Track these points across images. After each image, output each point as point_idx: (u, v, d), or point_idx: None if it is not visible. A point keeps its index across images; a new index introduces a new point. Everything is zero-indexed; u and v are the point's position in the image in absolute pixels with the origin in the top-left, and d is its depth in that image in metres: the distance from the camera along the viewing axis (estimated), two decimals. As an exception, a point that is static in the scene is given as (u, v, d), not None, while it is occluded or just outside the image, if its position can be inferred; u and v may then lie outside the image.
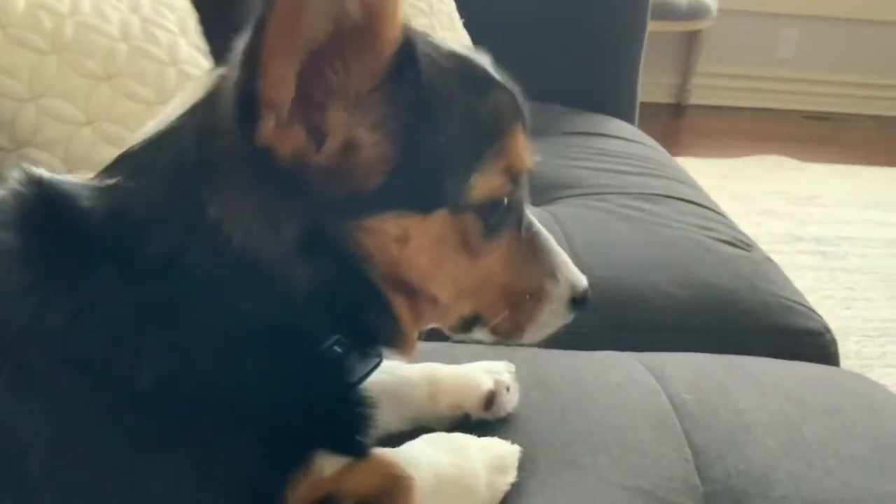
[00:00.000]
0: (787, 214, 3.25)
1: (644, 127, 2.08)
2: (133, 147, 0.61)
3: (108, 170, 0.61)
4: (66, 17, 1.05)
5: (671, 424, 0.86)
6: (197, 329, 0.57)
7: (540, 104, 1.85)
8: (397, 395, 0.82)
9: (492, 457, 0.76)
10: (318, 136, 0.58)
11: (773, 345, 1.18)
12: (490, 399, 0.83)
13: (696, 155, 3.85)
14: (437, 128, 0.61)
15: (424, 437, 0.76)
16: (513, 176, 0.66)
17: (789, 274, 2.88)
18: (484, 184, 0.63)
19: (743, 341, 1.18)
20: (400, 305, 0.66)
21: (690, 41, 4.30)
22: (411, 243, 0.62)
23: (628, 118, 2.04)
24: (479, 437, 0.78)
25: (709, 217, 1.44)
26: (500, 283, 0.71)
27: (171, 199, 0.58)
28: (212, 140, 0.58)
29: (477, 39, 1.66)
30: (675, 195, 1.49)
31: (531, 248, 0.72)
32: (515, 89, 0.68)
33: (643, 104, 2.14)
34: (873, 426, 0.89)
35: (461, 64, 0.64)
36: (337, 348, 0.64)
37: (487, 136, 0.63)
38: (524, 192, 0.71)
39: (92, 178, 0.61)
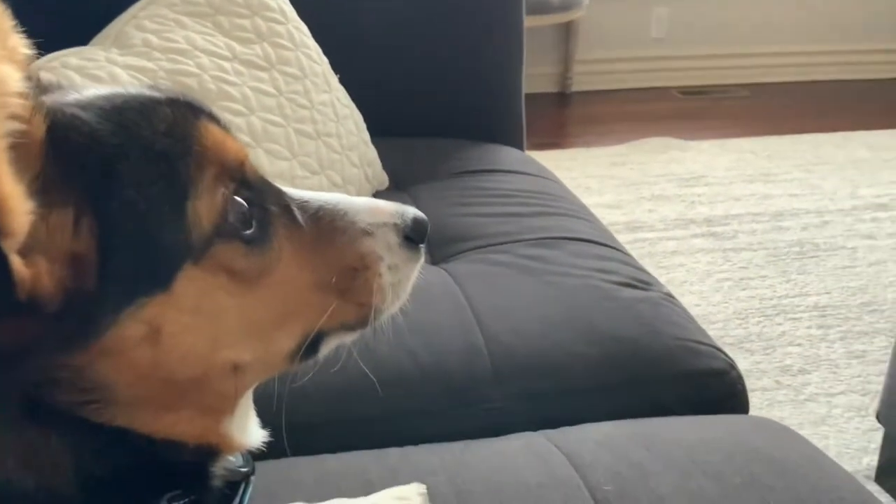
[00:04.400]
0: (677, 197, 3.33)
1: (531, 119, 2.07)
2: None
3: None
4: None
5: (596, 527, 0.86)
6: None
7: (424, 140, 1.84)
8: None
9: None
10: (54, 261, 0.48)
11: (682, 392, 1.20)
12: None
13: (584, 144, 3.91)
14: (121, 188, 0.50)
15: None
16: (232, 175, 0.56)
17: (685, 260, 2.94)
18: (205, 205, 0.53)
19: (651, 393, 1.19)
20: (179, 422, 0.55)
21: (567, 30, 4.35)
22: (165, 331, 0.52)
23: (517, 141, 2.03)
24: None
25: (606, 256, 1.44)
26: (307, 285, 0.60)
27: None
28: None
29: (353, 88, 1.62)
30: (572, 235, 1.49)
31: (320, 223, 0.62)
32: (181, 93, 0.58)
33: (528, 95, 2.13)
34: (789, 492, 0.91)
35: (112, 110, 0.54)
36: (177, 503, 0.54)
37: (176, 157, 0.53)
38: (262, 181, 0.60)
39: None
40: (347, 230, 0.63)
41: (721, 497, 0.89)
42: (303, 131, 1.38)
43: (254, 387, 0.63)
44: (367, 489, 0.85)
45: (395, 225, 0.64)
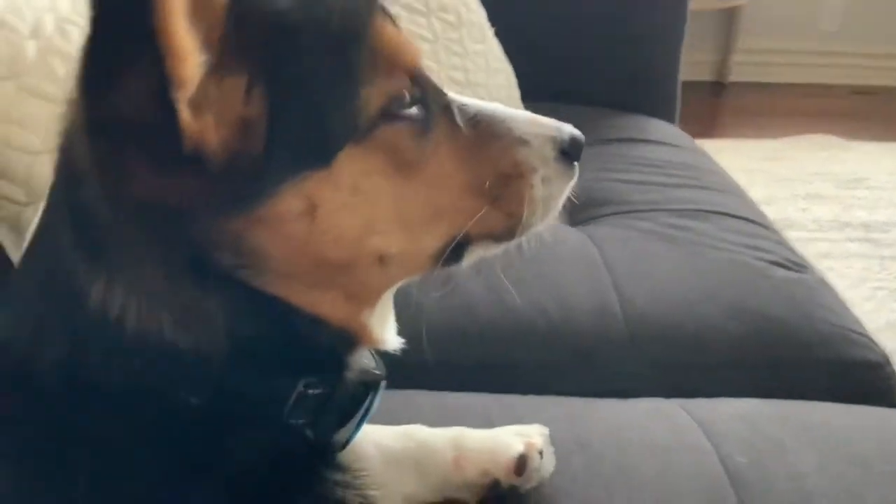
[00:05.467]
0: (834, 198, 3.13)
1: (684, 107, 1.99)
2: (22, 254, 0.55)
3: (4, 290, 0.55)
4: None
5: (725, 496, 0.81)
6: (122, 453, 0.51)
7: (576, 107, 1.80)
8: (418, 463, 0.76)
9: None
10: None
11: (830, 380, 1.12)
12: (521, 464, 0.77)
13: (738, 136, 3.73)
14: (296, 61, 0.51)
15: None
16: (403, 68, 0.56)
17: (838, 264, 2.77)
18: (375, 91, 0.54)
19: (798, 377, 1.12)
20: (324, 301, 0.56)
21: (730, 16, 4.15)
22: (321, 208, 0.52)
23: (669, 116, 1.96)
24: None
25: (758, 234, 1.36)
26: (460, 184, 0.60)
27: (48, 303, 0.52)
28: (72, 205, 0.51)
29: (508, 47, 1.61)
30: (722, 210, 1.42)
31: (479, 128, 0.62)
32: None
33: (684, 83, 2.05)
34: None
35: None
36: (310, 391, 0.56)
37: (352, 41, 0.54)
38: (428, 81, 0.60)
39: None
40: (504, 136, 0.62)
41: (865, 483, 0.82)
42: (454, 78, 1.37)
43: (395, 286, 0.63)
44: (488, 426, 0.83)
45: (553, 138, 0.63)
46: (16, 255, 1.01)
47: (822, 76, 4.31)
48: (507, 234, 0.63)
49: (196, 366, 0.51)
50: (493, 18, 1.56)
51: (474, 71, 1.43)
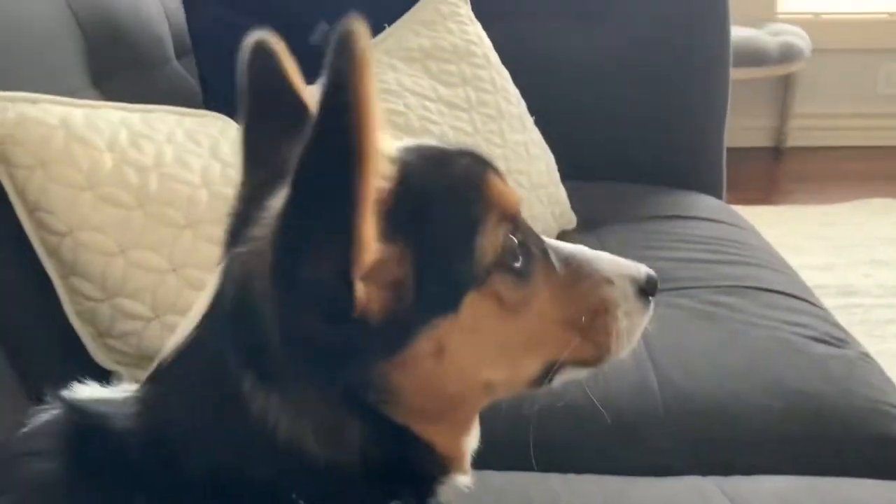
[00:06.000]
0: (897, 263, 3.07)
1: (743, 174, 1.99)
2: (167, 356, 0.62)
3: (147, 383, 0.63)
4: (151, 169, 1.12)
5: (755, 575, 0.83)
6: None
7: (619, 185, 1.83)
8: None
9: None
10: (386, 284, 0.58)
11: (870, 456, 1.12)
12: None
13: (797, 201, 3.71)
14: (433, 226, 0.60)
15: None
16: (509, 218, 0.64)
17: (901, 334, 2.67)
18: (489, 242, 0.62)
19: (836, 454, 1.12)
20: (437, 430, 0.64)
21: (786, 82, 4.16)
22: (448, 350, 0.60)
23: (715, 190, 1.99)
24: None
25: (799, 310, 1.38)
26: (555, 320, 0.68)
27: (206, 407, 0.59)
28: (244, 332, 0.59)
29: (551, 130, 1.68)
30: (764, 286, 1.44)
31: (570, 270, 0.70)
32: (469, 147, 0.68)
33: (739, 149, 2.07)
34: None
35: (424, 160, 0.63)
36: None
37: (471, 202, 0.62)
38: (528, 228, 0.69)
39: (130, 394, 0.62)
40: (593, 276, 0.70)
41: (901, 563, 0.83)
42: (496, 168, 1.45)
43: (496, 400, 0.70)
44: (525, 507, 0.87)
45: (633, 277, 0.72)
46: (90, 343, 1.11)
47: (881, 139, 4.26)
48: (595, 360, 0.71)
49: (320, 475, 0.59)
50: (534, 105, 1.64)
51: (515, 160, 1.50)
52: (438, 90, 1.49)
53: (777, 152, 4.32)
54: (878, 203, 3.59)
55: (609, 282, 0.70)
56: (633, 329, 0.72)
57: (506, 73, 1.61)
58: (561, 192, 1.62)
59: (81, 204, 1.06)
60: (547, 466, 1.05)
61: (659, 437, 1.13)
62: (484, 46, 1.60)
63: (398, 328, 0.58)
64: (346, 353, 0.58)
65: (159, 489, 0.57)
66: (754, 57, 3.70)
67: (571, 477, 1.03)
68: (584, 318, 0.69)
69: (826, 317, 1.39)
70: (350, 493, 0.61)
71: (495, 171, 0.67)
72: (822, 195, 3.72)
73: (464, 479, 0.70)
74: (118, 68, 1.50)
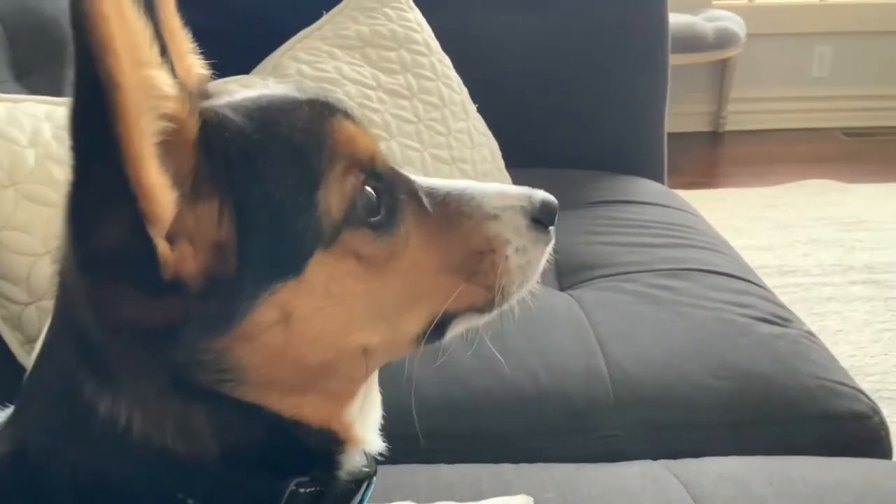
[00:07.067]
0: (836, 242, 3.15)
1: (682, 158, 2.00)
2: (29, 369, 0.59)
3: (15, 403, 0.60)
4: (77, 165, 1.06)
5: (708, 558, 0.83)
6: None
7: (562, 171, 1.84)
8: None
9: None
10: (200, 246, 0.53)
11: (818, 434, 1.14)
12: None
13: (736, 184, 3.77)
14: (260, 181, 0.54)
15: None
16: (361, 165, 0.58)
17: (841, 307, 2.76)
18: (335, 195, 0.56)
19: (785, 433, 1.13)
20: (304, 404, 0.58)
21: (722, 67, 4.23)
22: (296, 316, 0.55)
23: (657, 175, 2.00)
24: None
25: (743, 290, 1.39)
26: (434, 268, 0.62)
27: (59, 417, 0.56)
28: (72, 330, 0.55)
29: (492, 119, 1.66)
30: (707, 268, 1.45)
31: (448, 211, 0.63)
32: (321, 93, 0.61)
33: (679, 134, 2.08)
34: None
35: (256, 109, 0.57)
36: (302, 490, 0.58)
37: (310, 152, 0.56)
38: (393, 172, 0.63)
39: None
40: (474, 214, 0.64)
41: (850, 539, 0.84)
42: (438, 156, 1.43)
43: (375, 373, 0.65)
44: (478, 498, 0.86)
45: (522, 207, 0.64)
46: (18, 350, 1.06)
47: (816, 121, 4.37)
48: (488, 305, 0.64)
49: (193, 470, 0.55)
50: (476, 93, 1.62)
51: (458, 147, 1.48)
52: (379, 78, 1.46)
53: (715, 136, 4.39)
54: (815, 184, 3.67)
55: (494, 217, 0.63)
56: (529, 265, 0.65)
57: (447, 60, 1.58)
58: (506, 179, 1.61)
59: (3, 202, 1.01)
60: (502, 456, 1.04)
61: (610, 423, 1.13)
62: (424, 33, 1.57)
63: (228, 297, 0.53)
64: (169, 332, 0.52)
65: None
66: (691, 42, 3.75)
67: (523, 466, 1.02)
68: (466, 262, 0.62)
69: (769, 297, 1.40)
70: (235, 481, 0.56)
71: (347, 115, 0.60)
72: (761, 178, 3.79)
73: (371, 447, 0.65)
74: (42, 62, 1.43)
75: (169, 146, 0.50)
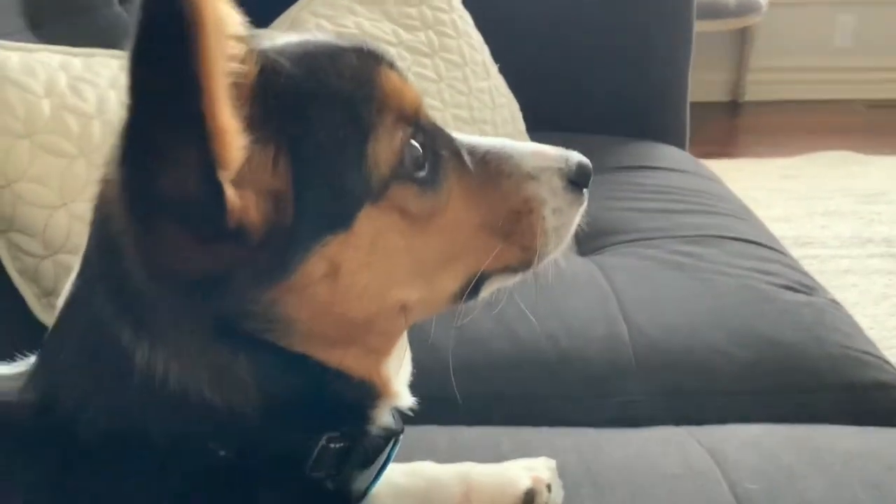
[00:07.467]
0: (854, 214, 3.11)
1: (701, 127, 1.98)
2: (56, 319, 0.58)
3: (41, 348, 0.58)
4: (94, 116, 1.04)
5: (733, 524, 0.81)
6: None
7: (584, 136, 1.82)
8: (427, 499, 0.78)
9: None
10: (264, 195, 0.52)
11: (842, 403, 1.12)
12: (529, 498, 0.79)
13: (755, 154, 3.72)
14: (313, 129, 0.53)
15: None
16: (407, 119, 0.58)
17: (859, 280, 2.73)
18: (384, 148, 0.55)
19: (808, 402, 1.11)
20: (347, 356, 0.58)
21: (743, 36, 4.16)
22: (343, 269, 0.54)
23: (679, 141, 1.97)
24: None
25: (766, 258, 1.36)
26: (474, 227, 0.62)
27: (91, 366, 0.55)
28: (111, 276, 0.53)
29: (513, 80, 1.63)
30: (731, 234, 1.42)
31: (488, 170, 0.63)
32: (364, 41, 0.60)
33: (698, 103, 2.05)
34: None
35: (304, 56, 0.56)
36: (333, 445, 0.58)
37: (359, 101, 0.55)
38: (435, 128, 0.62)
39: (22, 368, 0.58)
40: (513, 174, 0.64)
41: (877, 507, 0.82)
42: (459, 116, 1.40)
43: (416, 321, 0.64)
44: (499, 460, 0.84)
45: (560, 169, 0.65)
46: (34, 303, 1.05)
47: (838, 92, 4.30)
48: (524, 265, 0.65)
49: (229, 421, 0.54)
50: (498, 54, 1.59)
51: (479, 108, 1.46)
52: (400, 34, 1.43)
53: (735, 106, 4.33)
54: (834, 155, 3.62)
55: (533, 178, 0.64)
56: (563, 226, 0.65)
57: (468, 18, 1.55)
58: (525, 141, 1.58)
59: (19, 153, 0.99)
60: (522, 419, 1.03)
61: (630, 389, 1.11)
62: (445, -11, 1.54)
63: (283, 247, 0.52)
64: (219, 281, 0.51)
65: (53, 457, 0.54)
66: (712, 9, 3.68)
67: (544, 429, 1.00)
68: (505, 222, 0.63)
69: (793, 265, 1.38)
70: (270, 434, 0.56)
71: (392, 65, 0.59)
72: (780, 148, 3.74)
73: (403, 402, 0.65)
74: (56, 11, 1.41)
75: (235, 90, 0.49)
